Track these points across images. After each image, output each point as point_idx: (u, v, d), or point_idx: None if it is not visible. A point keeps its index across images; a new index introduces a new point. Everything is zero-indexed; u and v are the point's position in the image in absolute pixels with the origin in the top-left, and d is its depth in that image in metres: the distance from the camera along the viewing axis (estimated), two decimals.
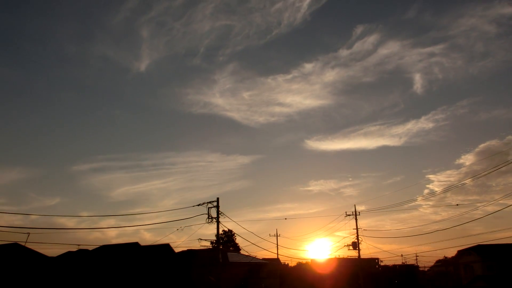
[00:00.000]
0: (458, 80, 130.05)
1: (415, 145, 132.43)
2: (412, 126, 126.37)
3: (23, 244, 34.65)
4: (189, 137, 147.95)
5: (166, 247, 42.44)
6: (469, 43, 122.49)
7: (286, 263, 74.83)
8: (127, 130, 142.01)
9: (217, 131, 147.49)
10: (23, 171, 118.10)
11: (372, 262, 74.82)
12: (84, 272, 38.03)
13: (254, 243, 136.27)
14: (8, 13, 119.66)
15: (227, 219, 34.48)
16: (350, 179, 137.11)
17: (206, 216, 33.47)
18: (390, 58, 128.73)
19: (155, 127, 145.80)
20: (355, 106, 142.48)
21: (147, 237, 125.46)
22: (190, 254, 44.87)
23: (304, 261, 74.34)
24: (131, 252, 41.46)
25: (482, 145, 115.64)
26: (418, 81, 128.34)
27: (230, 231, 70.51)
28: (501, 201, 60.32)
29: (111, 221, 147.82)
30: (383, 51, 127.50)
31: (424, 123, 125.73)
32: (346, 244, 52.96)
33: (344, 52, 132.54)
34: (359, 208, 53.37)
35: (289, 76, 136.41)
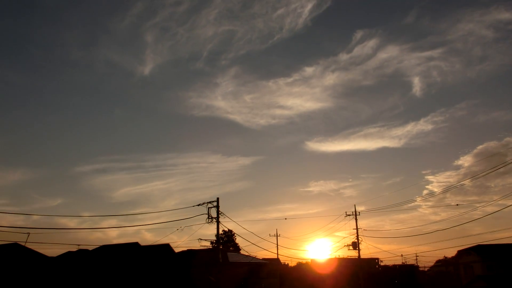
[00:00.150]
0: (457, 83, 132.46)
1: (415, 147, 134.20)
2: (411, 128, 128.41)
3: (23, 244, 34.72)
4: (191, 139, 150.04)
5: (166, 247, 42.46)
6: (467, 47, 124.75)
7: (286, 263, 74.94)
8: (130, 132, 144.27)
9: (219, 133, 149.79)
10: (26, 172, 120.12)
11: (372, 262, 74.87)
12: (84, 272, 38.06)
13: (254, 243, 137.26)
14: (17, 20, 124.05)
15: (227, 219, 34.53)
16: (350, 180, 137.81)
17: (206, 216, 33.53)
18: (389, 62, 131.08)
19: (157, 129, 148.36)
20: (355, 108, 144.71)
21: (148, 237, 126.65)
22: (190, 254, 44.90)
23: (304, 261, 74.46)
24: (131, 252, 41.48)
25: (480, 147, 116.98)
26: (417, 84, 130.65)
27: (230, 231, 70.59)
28: (500, 202, 60.87)
29: (112, 222, 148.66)
30: (383, 55, 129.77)
31: (423, 125, 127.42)
32: (346, 244, 53.02)
33: (344, 56, 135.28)
34: (358, 209, 53.34)
35: (290, 80, 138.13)
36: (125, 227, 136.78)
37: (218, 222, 33.79)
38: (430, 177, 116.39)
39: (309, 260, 74.71)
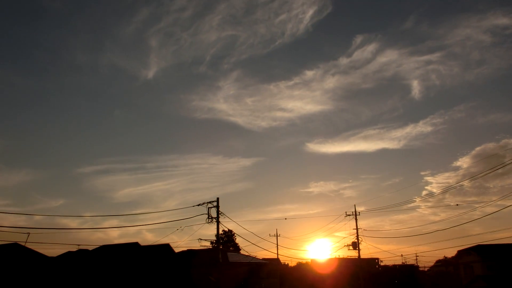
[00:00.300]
0: (455, 86, 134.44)
1: (414, 148, 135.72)
2: (411, 129, 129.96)
3: (23, 244, 34.74)
4: (192, 141, 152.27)
5: (166, 247, 42.47)
6: (465, 52, 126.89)
7: (286, 263, 74.98)
8: (132, 134, 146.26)
9: (220, 135, 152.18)
10: (29, 173, 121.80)
11: (372, 262, 74.93)
12: (84, 272, 38.07)
13: (254, 243, 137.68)
14: (24, 26, 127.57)
15: (227, 219, 34.53)
16: (350, 181, 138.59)
17: (206, 216, 33.54)
18: (388, 65, 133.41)
19: (159, 132, 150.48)
20: (355, 111, 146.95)
21: (149, 238, 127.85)
22: (190, 254, 44.91)
23: (304, 261, 74.50)
24: (131, 252, 41.49)
25: (478, 148, 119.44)
26: (416, 87, 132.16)
27: (230, 231, 70.64)
28: (499, 202, 61.29)
29: (113, 222, 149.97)
30: (382, 59, 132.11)
31: (422, 127, 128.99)
32: (346, 244, 53.05)
33: (344, 60, 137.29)
34: (358, 209, 53.35)
35: (290, 83, 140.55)
36: (125, 227, 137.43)
37: (218, 222, 33.80)
38: (429, 178, 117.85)
39: (309, 260, 74.84)
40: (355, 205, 53.78)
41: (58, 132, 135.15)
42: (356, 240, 51.90)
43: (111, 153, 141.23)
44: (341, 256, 66.95)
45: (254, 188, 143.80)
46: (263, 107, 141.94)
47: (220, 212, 34.00)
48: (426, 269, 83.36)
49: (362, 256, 54.74)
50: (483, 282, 46.91)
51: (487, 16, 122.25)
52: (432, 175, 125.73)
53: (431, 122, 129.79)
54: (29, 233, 31.55)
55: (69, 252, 42.59)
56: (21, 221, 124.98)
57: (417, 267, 77.95)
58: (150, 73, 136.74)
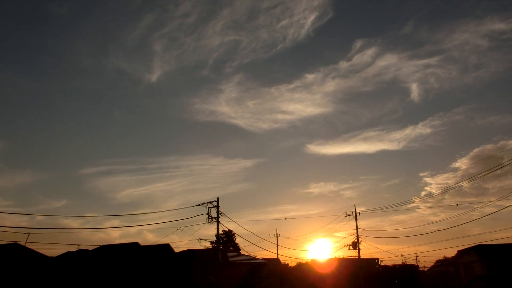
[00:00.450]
0: (454, 89, 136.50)
1: (413, 149, 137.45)
2: (410, 131, 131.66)
3: (23, 244, 34.74)
4: (194, 143, 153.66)
5: (166, 247, 42.45)
6: (463, 56, 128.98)
7: (286, 263, 74.98)
8: (134, 136, 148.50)
9: (222, 137, 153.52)
10: (32, 174, 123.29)
11: (372, 262, 74.88)
12: (84, 272, 38.06)
13: (254, 243, 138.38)
14: (30, 30, 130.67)
15: (228, 219, 34.55)
16: (350, 181, 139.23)
17: (206, 216, 33.55)
18: (387, 69, 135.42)
19: (161, 134, 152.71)
20: (355, 113, 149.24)
21: (150, 238, 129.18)
22: (190, 254, 44.89)
23: (304, 261, 74.49)
24: (131, 252, 41.48)
25: (477, 150, 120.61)
26: (415, 90, 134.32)
27: (230, 231, 70.65)
28: (497, 203, 61.46)
29: (115, 222, 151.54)
30: (381, 63, 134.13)
31: (421, 129, 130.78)
32: (346, 244, 53.06)
33: (344, 64, 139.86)
34: (358, 209, 53.35)
35: (291, 86, 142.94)
36: (126, 227, 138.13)
37: (218, 222, 33.81)
38: (428, 179, 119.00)
39: (309, 260, 74.83)
40: (355, 205, 53.84)
41: (61, 133, 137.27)
42: (356, 240, 51.92)
43: (113, 154, 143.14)
44: (341, 256, 67.03)
45: (255, 189, 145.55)
46: (265, 109, 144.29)
47: (220, 212, 34.03)
48: (426, 269, 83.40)
49: (362, 256, 54.78)
50: (483, 282, 46.91)
51: (484, 21, 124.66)
52: (431, 176, 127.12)
53: (430, 124, 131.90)
54: (29, 233, 31.61)
55: (69, 252, 42.57)
56: (23, 221, 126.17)
57: (417, 267, 77.97)
58: (154, 77, 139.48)
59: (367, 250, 67.53)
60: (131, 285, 37.23)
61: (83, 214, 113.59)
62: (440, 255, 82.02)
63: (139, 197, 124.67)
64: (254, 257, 52.81)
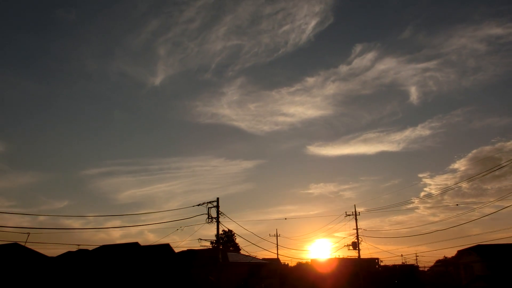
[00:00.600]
0: (452, 92, 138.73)
1: (413, 151, 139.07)
2: (409, 133, 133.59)
3: (23, 244, 34.74)
4: (196, 144, 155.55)
5: (166, 247, 42.44)
6: (461, 59, 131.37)
7: (286, 263, 75.02)
8: (136, 138, 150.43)
9: (223, 139, 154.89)
10: (35, 175, 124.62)
11: (372, 262, 74.90)
12: (84, 272, 38.06)
13: (255, 243, 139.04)
14: (37, 34, 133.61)
15: (228, 219, 34.55)
16: (350, 182, 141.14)
17: (206, 216, 33.55)
18: (386, 72, 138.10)
19: (163, 135, 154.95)
20: (355, 115, 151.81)
21: (151, 238, 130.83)
22: (190, 254, 44.90)
23: (304, 261, 74.51)
24: (131, 252, 41.47)
25: (475, 151, 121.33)
26: (414, 93, 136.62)
27: (230, 231, 70.68)
28: (496, 203, 62.82)
29: (116, 222, 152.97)
30: (380, 66, 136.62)
31: (421, 130, 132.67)
32: (346, 244, 53.09)
33: (344, 68, 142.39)
34: (358, 210, 53.39)
35: (292, 89, 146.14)
36: (126, 227, 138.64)
37: (218, 222, 33.82)
38: (427, 180, 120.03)
39: (309, 260, 74.84)
40: (355, 205, 53.89)
41: (64, 135, 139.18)
42: (356, 240, 51.95)
43: (115, 156, 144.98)
44: (341, 256, 67.05)
45: (256, 190, 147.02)
46: (266, 112, 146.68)
47: (220, 212, 34.03)
48: (426, 269, 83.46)
49: (362, 256, 54.84)
50: (483, 282, 46.89)
51: (481, 26, 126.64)
52: (431, 177, 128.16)
53: (429, 126, 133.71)
54: (29, 233, 31.64)
55: (69, 252, 42.57)
56: (25, 221, 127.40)
57: (417, 267, 77.97)
58: (157, 80, 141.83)
59: (367, 250, 67.73)
60: (131, 285, 37.22)
61: (85, 215, 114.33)
62: (440, 255, 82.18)
63: (140, 197, 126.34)
64: (254, 257, 52.82)
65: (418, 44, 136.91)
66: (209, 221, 33.55)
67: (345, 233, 56.76)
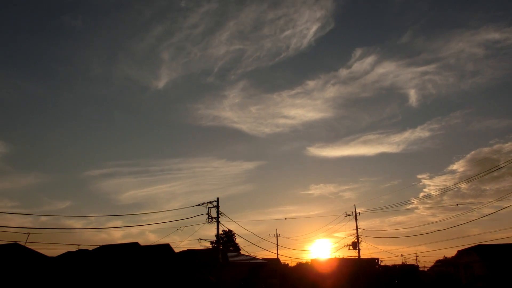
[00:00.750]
0: (451, 95, 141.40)
1: (412, 152, 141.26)
2: (409, 135, 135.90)
3: (23, 244, 34.74)
4: (197, 146, 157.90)
5: (166, 247, 42.44)
6: (459, 63, 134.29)
7: (286, 263, 75.04)
8: (138, 139, 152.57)
9: (224, 141, 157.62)
10: (39, 176, 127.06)
11: (372, 262, 74.92)
12: (84, 272, 38.05)
13: (255, 243, 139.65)
14: (44, 39, 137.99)
15: (228, 219, 34.55)
16: (350, 183, 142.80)
17: (206, 216, 33.54)
18: (386, 76, 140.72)
19: (165, 137, 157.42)
20: (355, 117, 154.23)
21: (152, 238, 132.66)
22: (190, 254, 44.93)
23: (304, 261, 74.53)
24: (131, 252, 41.47)
25: (473, 152, 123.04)
26: (413, 96, 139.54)
27: (230, 231, 70.69)
28: (495, 204, 63.21)
29: (117, 223, 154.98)
30: (380, 70, 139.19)
31: (420, 132, 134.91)
32: (346, 244, 53.10)
33: (344, 72, 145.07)
34: (358, 210, 53.38)
35: (293, 92, 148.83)
36: (126, 227, 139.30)
37: (218, 222, 33.81)
38: (426, 181, 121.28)
39: (309, 260, 74.85)
40: (355, 205, 53.88)
41: (67, 137, 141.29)
42: (356, 240, 51.95)
43: (117, 157, 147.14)
44: (341, 256, 67.06)
45: (256, 190, 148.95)
46: (267, 114, 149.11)
47: (220, 212, 34.02)
48: (426, 269, 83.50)
49: (362, 256, 54.87)
50: (483, 282, 46.88)
51: (479, 31, 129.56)
52: (430, 178, 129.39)
53: (428, 127, 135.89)
54: (29, 233, 31.63)
55: (69, 252, 42.56)
56: (27, 222, 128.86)
57: (417, 267, 77.98)
58: (161, 84, 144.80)
59: (367, 250, 67.82)
60: (131, 285, 37.22)
61: (87, 215, 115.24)
62: (439, 255, 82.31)
63: (142, 198, 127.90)
64: (254, 257, 52.83)
65: (417, 49, 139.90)
66: (209, 221, 33.56)
67: (345, 233, 56.91)
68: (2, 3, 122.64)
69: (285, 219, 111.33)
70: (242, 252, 60.08)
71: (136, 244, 43.36)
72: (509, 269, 46.84)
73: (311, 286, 57.85)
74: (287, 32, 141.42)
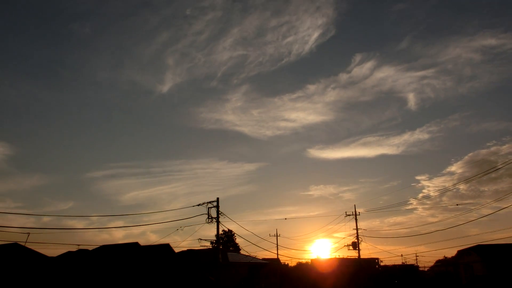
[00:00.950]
0: (449, 98, 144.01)
1: (411, 154, 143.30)
2: (408, 137, 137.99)
3: (23, 244, 34.73)
4: (199, 148, 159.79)
5: (166, 247, 42.43)
6: (457, 68, 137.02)
7: (286, 263, 75.01)
8: (140, 141, 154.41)
9: (226, 143, 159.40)
10: (42, 177, 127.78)
11: (372, 262, 74.95)
12: (84, 272, 38.05)
13: (255, 243, 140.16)
14: (51, 46, 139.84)
15: (228, 219, 34.55)
16: (350, 184, 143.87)
17: (207, 216, 33.55)
18: (385, 80, 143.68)
19: (167, 140, 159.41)
20: (355, 120, 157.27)
21: (153, 238, 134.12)
22: (190, 254, 44.93)
23: (304, 261, 74.54)
24: (131, 252, 41.45)
25: (471, 154, 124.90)
26: (412, 99, 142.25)
27: (230, 231, 70.71)
28: (493, 204, 64.70)
29: (119, 223, 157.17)
30: (379, 74, 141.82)
31: (419, 134, 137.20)
32: (346, 244, 53.10)
33: (343, 76, 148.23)
34: (358, 210, 53.39)
35: (294, 96, 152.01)
36: (127, 227, 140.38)
37: (218, 222, 33.82)
38: (425, 182, 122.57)
39: (309, 260, 74.87)
40: (355, 205, 53.88)
41: (71, 139, 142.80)
42: (356, 240, 51.96)
43: (119, 159, 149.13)
44: (341, 256, 67.07)
45: (257, 191, 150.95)
46: (268, 117, 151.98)
47: (220, 212, 34.02)
48: (426, 269, 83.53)
49: (362, 256, 54.84)
50: (483, 282, 46.91)
51: (476, 37, 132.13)
52: (429, 179, 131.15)
53: (427, 130, 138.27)
54: (29, 233, 31.65)
55: (69, 252, 42.55)
56: (29, 222, 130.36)
57: (417, 267, 78.02)
58: (165, 88, 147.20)
59: (367, 250, 67.87)
60: (131, 285, 37.22)
61: (89, 216, 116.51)
62: (439, 255, 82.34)
63: (143, 199, 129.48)
64: (254, 257, 52.83)
65: (415, 54, 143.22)
66: (209, 221, 33.56)
67: (345, 233, 56.93)
68: (14, 12, 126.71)
69: (285, 219, 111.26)
70: (242, 252, 60.08)
71: (136, 244, 43.34)
72: (509, 269, 46.89)
73: (311, 286, 57.86)
74: (289, 39, 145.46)
